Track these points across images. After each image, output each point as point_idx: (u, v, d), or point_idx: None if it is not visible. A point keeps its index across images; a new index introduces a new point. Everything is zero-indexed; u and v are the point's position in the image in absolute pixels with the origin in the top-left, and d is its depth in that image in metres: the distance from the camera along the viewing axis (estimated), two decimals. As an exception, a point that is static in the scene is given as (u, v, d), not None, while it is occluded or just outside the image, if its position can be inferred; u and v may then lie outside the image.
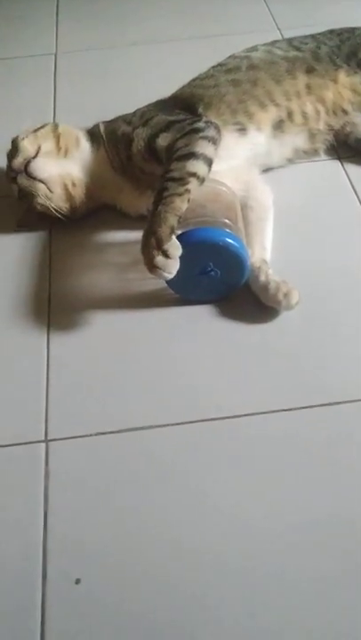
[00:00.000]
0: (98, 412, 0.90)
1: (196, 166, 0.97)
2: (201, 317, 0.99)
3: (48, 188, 1.07)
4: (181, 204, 0.93)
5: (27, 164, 1.06)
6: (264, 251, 1.03)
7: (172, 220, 0.92)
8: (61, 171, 1.08)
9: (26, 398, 0.92)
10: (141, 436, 0.87)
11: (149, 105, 1.18)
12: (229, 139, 1.08)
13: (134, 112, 1.16)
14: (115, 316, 1.00)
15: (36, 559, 0.76)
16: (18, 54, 1.55)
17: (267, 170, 1.17)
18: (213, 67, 1.22)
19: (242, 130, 1.11)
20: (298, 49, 1.22)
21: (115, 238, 1.12)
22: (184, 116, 1.09)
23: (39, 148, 1.08)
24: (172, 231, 0.91)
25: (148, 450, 0.86)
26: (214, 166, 1.01)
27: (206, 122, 1.05)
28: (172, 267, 0.90)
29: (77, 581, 0.74)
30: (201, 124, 1.04)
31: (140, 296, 1.02)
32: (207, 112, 1.10)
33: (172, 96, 1.19)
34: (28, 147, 1.08)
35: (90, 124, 1.30)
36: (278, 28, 1.53)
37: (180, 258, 0.90)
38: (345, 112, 1.18)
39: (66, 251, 1.11)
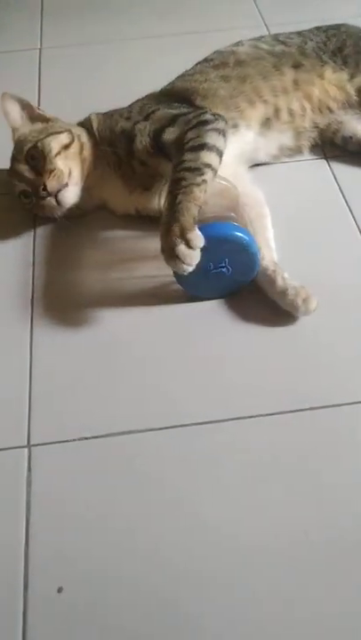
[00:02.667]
0: (82, 417, 0.88)
1: (210, 157, 0.96)
2: (189, 319, 0.98)
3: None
4: (200, 195, 0.91)
5: (59, 190, 1.04)
6: (272, 251, 1.01)
7: (194, 210, 0.89)
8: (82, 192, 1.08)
9: (7, 402, 0.90)
10: (126, 440, 0.86)
11: (143, 99, 1.16)
12: None
13: (130, 106, 1.14)
14: (101, 317, 0.99)
15: (18, 568, 0.75)
16: (2, 49, 1.53)
17: (252, 166, 1.16)
18: (200, 62, 1.21)
19: (235, 126, 1.10)
20: (284, 43, 1.21)
21: (101, 236, 1.10)
22: (187, 109, 1.07)
23: (70, 173, 1.05)
24: (195, 221, 0.89)
25: (133, 455, 0.84)
26: None
27: (214, 114, 1.04)
28: (193, 258, 0.87)
29: (60, 590, 0.73)
30: (209, 116, 1.03)
31: (126, 296, 1.01)
32: (204, 104, 1.09)
33: (164, 90, 1.17)
34: (63, 170, 1.05)
35: (74, 120, 1.29)
36: (265, 25, 1.52)
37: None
38: (330, 110, 1.17)
39: (50, 250, 1.09)
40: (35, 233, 1.11)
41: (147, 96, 1.16)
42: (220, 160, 0.98)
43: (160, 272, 0.96)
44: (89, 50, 1.50)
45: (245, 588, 0.73)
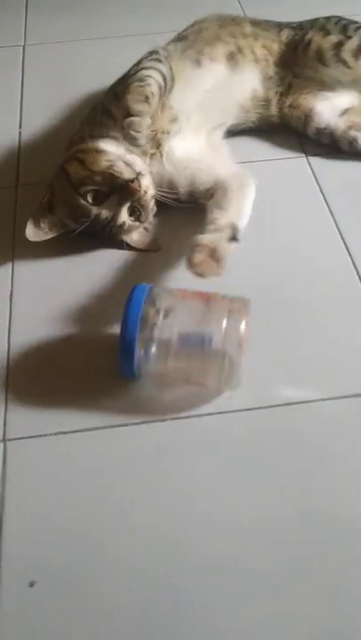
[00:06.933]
0: (59, 410, 0.88)
1: (150, 72, 1.05)
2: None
3: None
4: (143, 91, 1.01)
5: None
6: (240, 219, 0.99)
7: (140, 98, 1.00)
8: None
9: (-17, 397, 0.90)
10: (103, 435, 0.86)
11: None
12: (188, 70, 1.12)
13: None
14: (76, 312, 0.99)
15: (-9, 561, 0.75)
16: (-15, 46, 1.53)
17: (235, 132, 1.19)
18: None
19: (196, 61, 1.14)
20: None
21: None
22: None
23: None
24: (141, 101, 0.99)
25: (110, 451, 0.84)
26: (185, 104, 1.09)
27: (148, 52, 1.13)
28: (136, 125, 0.97)
29: (32, 584, 0.73)
30: (145, 56, 1.12)
31: (102, 295, 1.01)
32: None
33: None
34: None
35: (56, 119, 1.30)
36: (249, 24, 1.52)
37: None
38: (291, 70, 1.19)
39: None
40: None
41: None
42: (165, 74, 1.07)
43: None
44: (73, 47, 1.50)
45: (233, 579, 0.73)
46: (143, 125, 0.97)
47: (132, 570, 0.74)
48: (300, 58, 1.19)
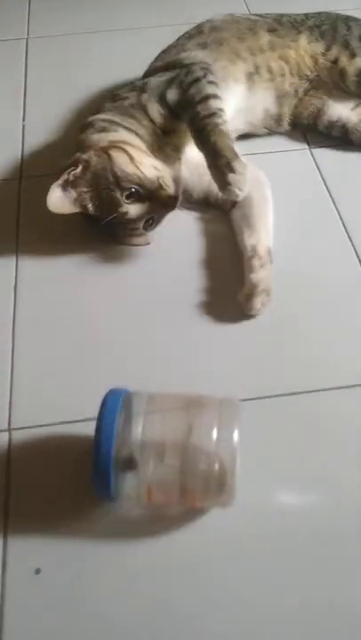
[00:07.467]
0: (64, 400, 0.88)
1: (217, 103, 1.03)
2: (173, 305, 0.99)
3: None
4: (227, 131, 0.99)
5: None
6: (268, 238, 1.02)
7: (230, 143, 0.97)
8: None
9: (-11, 386, 0.90)
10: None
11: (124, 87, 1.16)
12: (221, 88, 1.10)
13: (115, 97, 1.14)
14: (81, 300, 0.99)
15: (-4, 549, 0.76)
16: (-12, 39, 1.53)
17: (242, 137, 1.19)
18: (176, 40, 1.24)
19: (224, 80, 1.13)
20: (260, 15, 1.27)
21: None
22: (175, 72, 1.10)
23: None
24: (234, 149, 0.96)
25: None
26: None
27: (201, 68, 1.08)
28: (241, 182, 0.94)
29: (37, 571, 0.74)
30: (199, 72, 1.07)
31: (109, 279, 1.01)
32: None
33: (147, 72, 1.19)
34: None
35: (60, 112, 1.29)
36: (252, 17, 1.52)
37: None
38: (308, 77, 1.19)
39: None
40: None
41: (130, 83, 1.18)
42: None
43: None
44: (76, 40, 1.50)
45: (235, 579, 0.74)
46: (247, 184, 0.95)
47: (136, 560, 0.75)
48: (323, 68, 1.19)
